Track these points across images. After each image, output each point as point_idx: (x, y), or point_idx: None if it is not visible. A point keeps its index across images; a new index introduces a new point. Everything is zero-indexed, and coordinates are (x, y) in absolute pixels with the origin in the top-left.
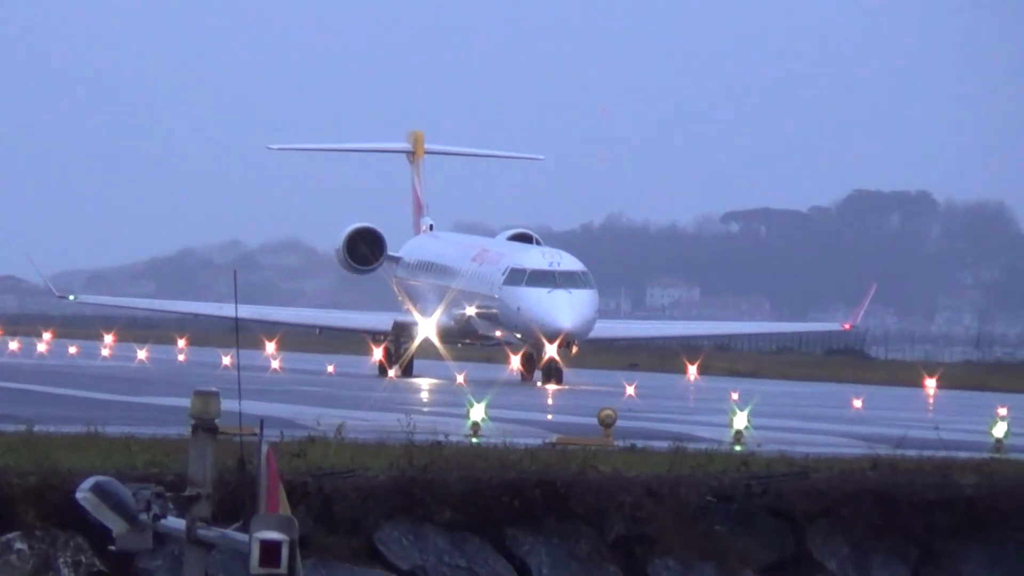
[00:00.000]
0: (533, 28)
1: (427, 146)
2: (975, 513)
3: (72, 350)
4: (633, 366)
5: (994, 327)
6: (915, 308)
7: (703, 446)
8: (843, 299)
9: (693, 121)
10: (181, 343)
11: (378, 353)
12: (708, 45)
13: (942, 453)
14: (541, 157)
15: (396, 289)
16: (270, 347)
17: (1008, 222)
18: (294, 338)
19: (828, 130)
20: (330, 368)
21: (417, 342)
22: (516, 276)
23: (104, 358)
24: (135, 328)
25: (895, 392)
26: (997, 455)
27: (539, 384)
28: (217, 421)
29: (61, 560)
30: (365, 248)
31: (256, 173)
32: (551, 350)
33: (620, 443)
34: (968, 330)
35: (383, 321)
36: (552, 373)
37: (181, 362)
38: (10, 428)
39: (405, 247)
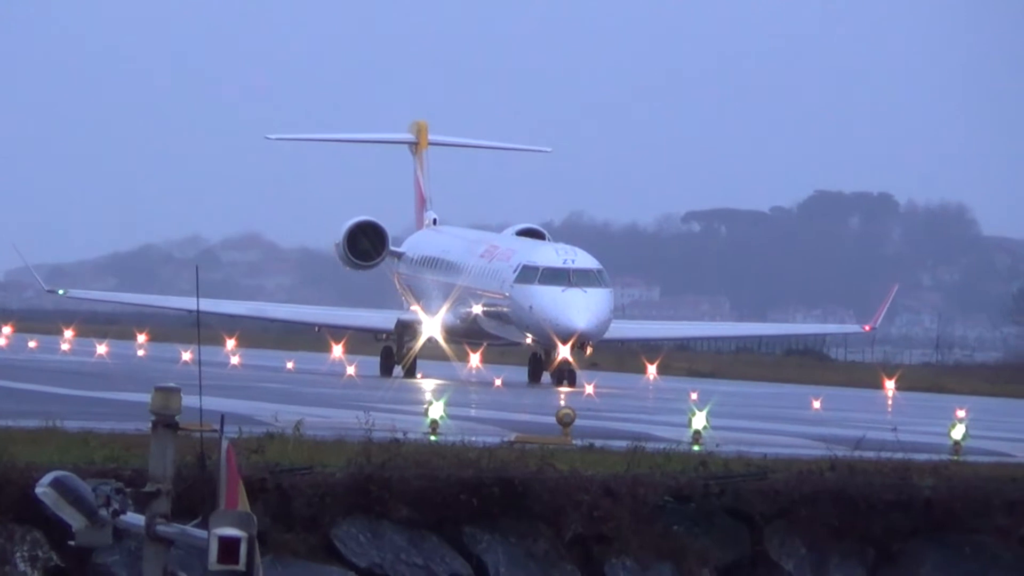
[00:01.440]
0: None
1: (431, 137)
2: (933, 515)
3: (31, 344)
4: (593, 366)
5: (954, 329)
6: (875, 309)
7: (661, 446)
8: (803, 300)
9: (655, 121)
10: (141, 338)
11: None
12: (670, 46)
13: (900, 455)
14: (548, 149)
15: (398, 286)
16: (230, 343)
17: (969, 224)
18: (253, 335)
19: (790, 131)
20: (290, 365)
21: (421, 341)
22: (528, 274)
23: (64, 352)
24: (95, 323)
25: (854, 393)
26: (955, 457)
27: (553, 387)
28: (177, 417)
29: (18, 555)
30: (367, 243)
31: (219, 167)
32: (564, 351)
33: (578, 442)
34: (928, 332)
35: (386, 319)
36: (565, 375)
37: (141, 357)
38: None
39: (408, 242)
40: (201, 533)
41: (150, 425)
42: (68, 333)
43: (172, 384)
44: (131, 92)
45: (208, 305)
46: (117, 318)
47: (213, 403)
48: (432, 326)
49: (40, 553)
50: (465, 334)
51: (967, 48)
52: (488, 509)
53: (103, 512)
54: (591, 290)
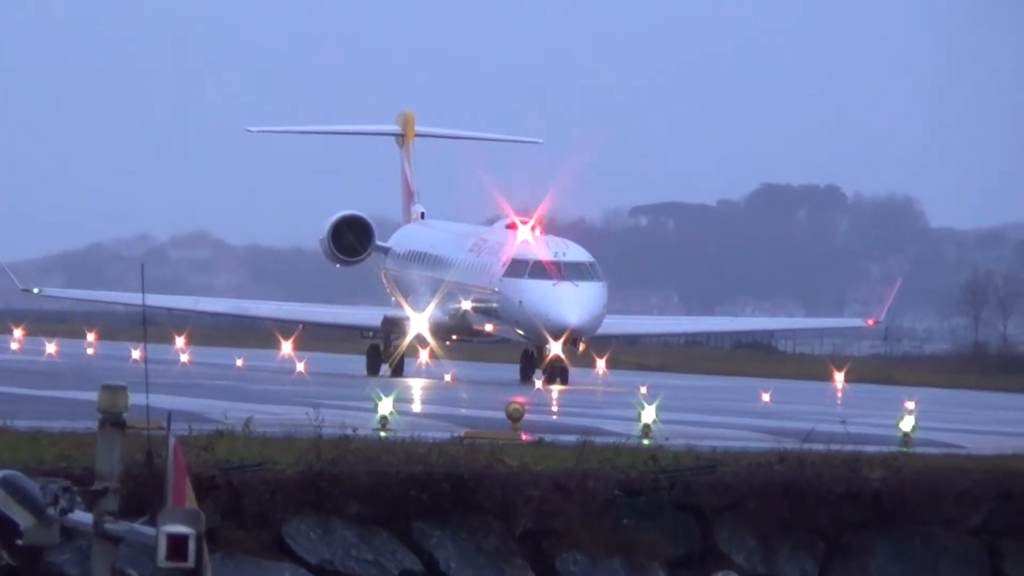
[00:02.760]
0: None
1: (418, 128)
2: (882, 507)
3: None
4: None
5: (902, 321)
6: (823, 302)
7: (611, 440)
8: (752, 293)
9: (600, 114)
10: (91, 337)
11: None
12: (616, 38)
13: (849, 447)
14: (540, 140)
15: (385, 281)
16: (179, 341)
17: (916, 216)
18: (202, 332)
19: (736, 124)
20: (239, 362)
21: (409, 338)
22: (518, 267)
23: (13, 352)
24: (44, 322)
25: (803, 386)
26: (904, 449)
27: (540, 385)
28: (125, 415)
29: None
30: (352, 237)
31: (166, 164)
32: (556, 348)
33: (528, 437)
34: (876, 324)
35: (372, 316)
36: (557, 373)
37: (91, 356)
38: None
39: (395, 236)
40: (149, 531)
41: (97, 423)
42: (17, 332)
43: (119, 382)
44: (79, 87)
45: (188, 303)
46: (67, 316)
47: (163, 401)
48: (419, 323)
49: None
50: (454, 331)
51: (912, 41)
52: (438, 505)
53: (51, 511)
54: (583, 284)
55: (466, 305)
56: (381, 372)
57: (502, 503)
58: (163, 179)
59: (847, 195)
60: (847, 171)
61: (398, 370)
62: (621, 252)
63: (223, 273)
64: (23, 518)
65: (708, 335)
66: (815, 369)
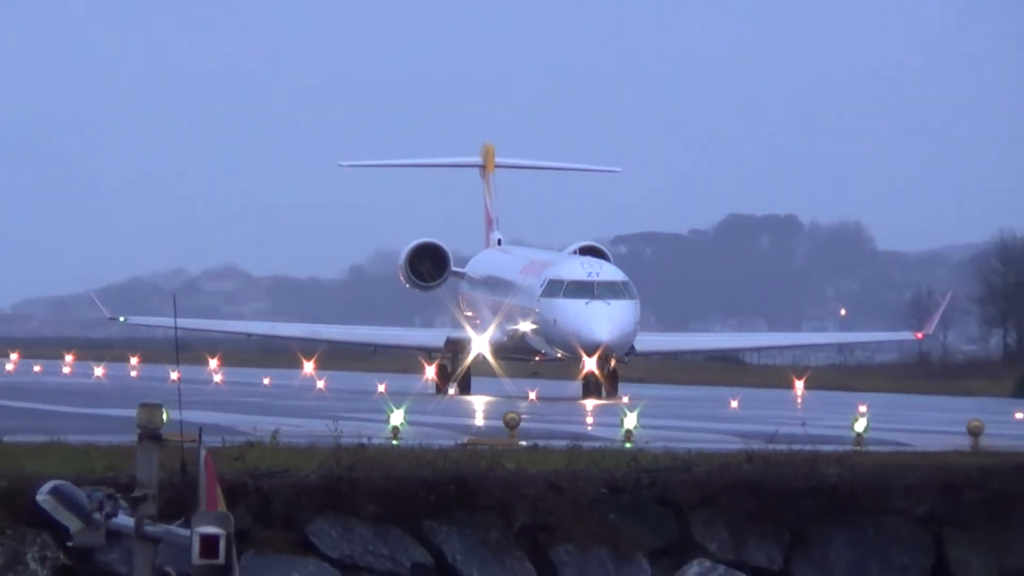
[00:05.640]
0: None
1: (498, 159)
2: (839, 500)
3: (36, 368)
4: (535, 375)
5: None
6: (784, 318)
7: (597, 444)
8: (721, 311)
9: (587, 155)
10: (134, 360)
11: (431, 370)
12: (597, 80)
13: (809, 447)
14: (618, 169)
15: (462, 305)
16: (213, 363)
17: (866, 240)
18: (233, 354)
19: (705, 159)
20: (266, 380)
21: (471, 358)
22: (554, 287)
23: (65, 375)
24: (92, 348)
25: (767, 394)
26: (858, 448)
27: (581, 398)
28: (162, 430)
29: (30, 555)
30: (428, 264)
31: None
32: (590, 363)
33: (524, 443)
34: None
35: (436, 337)
36: (592, 388)
37: (133, 377)
38: None
39: (471, 263)
40: (184, 532)
41: (136, 437)
42: (68, 358)
43: (155, 401)
44: (128, 135)
45: (264, 328)
46: (112, 343)
47: (199, 416)
48: (480, 343)
49: (48, 553)
50: (512, 350)
51: (860, 84)
52: (445, 504)
53: (96, 516)
54: (615, 302)
55: (517, 325)
56: (450, 391)
57: (502, 502)
58: (196, 218)
59: (804, 223)
60: (804, 201)
61: (465, 388)
62: None
63: (250, 302)
64: (72, 522)
65: (742, 351)
66: (778, 379)
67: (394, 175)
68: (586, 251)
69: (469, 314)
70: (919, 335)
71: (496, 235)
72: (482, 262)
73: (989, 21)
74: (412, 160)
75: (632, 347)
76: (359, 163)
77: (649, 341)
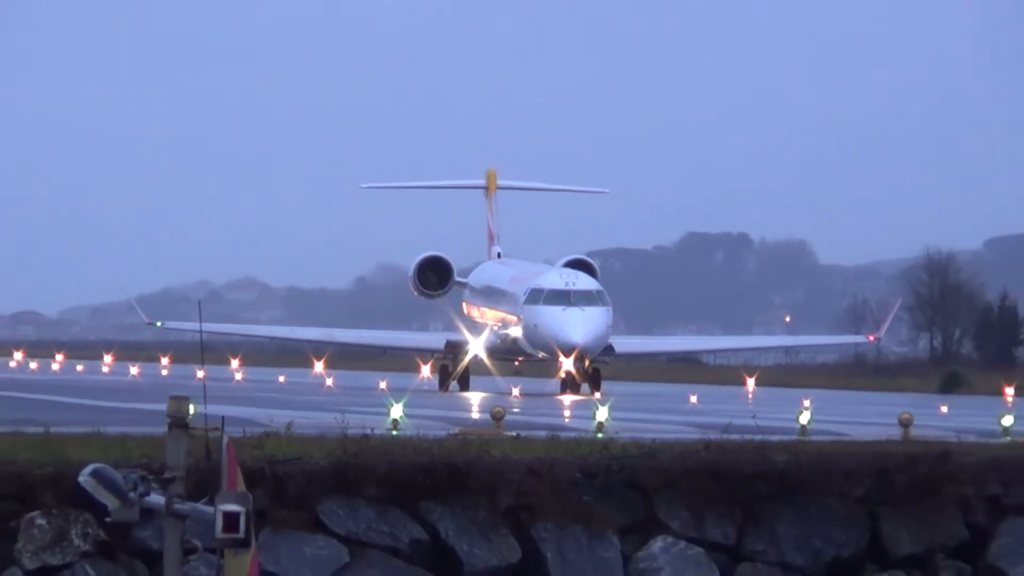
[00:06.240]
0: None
1: (499, 182)
2: (786, 483)
3: (79, 368)
4: (517, 373)
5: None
6: (737, 324)
7: (573, 434)
8: (681, 318)
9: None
10: (165, 361)
11: (426, 370)
12: (567, 103)
13: (759, 437)
14: (606, 190)
15: (466, 312)
16: (234, 363)
17: (809, 255)
18: (252, 355)
19: (665, 182)
20: (281, 378)
21: (468, 359)
22: (535, 295)
23: (104, 374)
24: (128, 349)
25: (722, 390)
26: (803, 437)
27: (559, 393)
28: (188, 420)
29: (73, 532)
30: (434, 275)
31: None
32: (568, 363)
33: (508, 433)
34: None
35: (437, 340)
36: (568, 384)
37: (165, 376)
38: (31, 430)
39: (472, 274)
40: (209, 509)
41: (166, 426)
42: (108, 358)
43: (183, 395)
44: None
45: (284, 332)
46: (145, 345)
47: (221, 409)
48: (476, 345)
49: (90, 531)
50: (504, 352)
51: (803, 106)
52: (439, 487)
53: (131, 495)
54: (589, 308)
55: (508, 330)
56: (450, 387)
57: (489, 485)
58: (219, 235)
59: (754, 240)
60: (754, 220)
61: (464, 385)
62: None
63: (267, 309)
64: (109, 500)
65: (708, 352)
66: (731, 376)
67: (399, 196)
68: (575, 264)
69: (470, 319)
70: (871, 338)
71: (496, 249)
72: (481, 273)
73: (923, 47)
74: (425, 183)
75: (612, 348)
76: (378, 185)
77: (628, 343)
